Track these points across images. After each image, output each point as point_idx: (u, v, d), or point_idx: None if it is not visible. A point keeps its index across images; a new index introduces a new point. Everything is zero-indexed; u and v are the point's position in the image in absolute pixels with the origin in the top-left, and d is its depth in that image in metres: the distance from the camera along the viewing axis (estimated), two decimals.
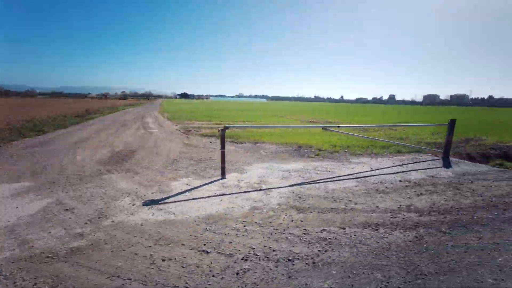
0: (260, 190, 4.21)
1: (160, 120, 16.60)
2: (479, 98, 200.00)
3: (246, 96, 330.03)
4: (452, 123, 7.06)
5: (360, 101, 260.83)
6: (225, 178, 4.72)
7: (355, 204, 3.72)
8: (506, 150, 9.64)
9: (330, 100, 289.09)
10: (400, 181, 4.87)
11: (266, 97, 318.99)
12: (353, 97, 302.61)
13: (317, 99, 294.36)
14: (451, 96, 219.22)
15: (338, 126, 5.57)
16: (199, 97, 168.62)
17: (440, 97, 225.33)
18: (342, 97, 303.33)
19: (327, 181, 4.75)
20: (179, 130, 11.72)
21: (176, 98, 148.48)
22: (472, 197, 4.09)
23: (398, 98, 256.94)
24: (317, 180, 4.80)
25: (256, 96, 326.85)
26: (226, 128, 4.54)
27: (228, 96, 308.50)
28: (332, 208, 3.55)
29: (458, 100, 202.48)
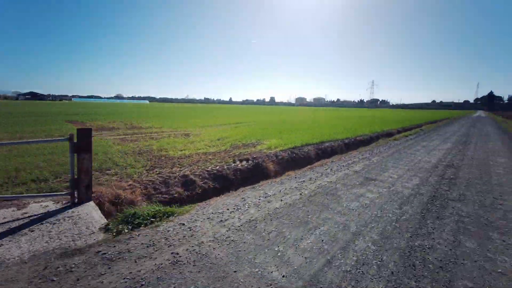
0: None
1: None
2: (331, 100, 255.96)
3: (127, 98, 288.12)
4: (79, 138, 3.69)
5: (246, 102, 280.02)
6: None
7: None
8: (259, 161, 7.88)
9: (219, 101, 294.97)
10: None
11: (153, 98, 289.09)
12: (240, 98, 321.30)
13: (206, 101, 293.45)
14: (314, 98, 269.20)
15: None
16: (58, 97, 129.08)
17: (307, 99, 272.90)
18: (230, 99, 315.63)
19: None
20: None
21: (17, 99, 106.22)
22: None
23: (277, 100, 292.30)
24: None
25: (139, 98, 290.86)
26: None
27: (104, 98, 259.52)
28: None
29: (318, 102, 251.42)
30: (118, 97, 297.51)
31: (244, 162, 7.39)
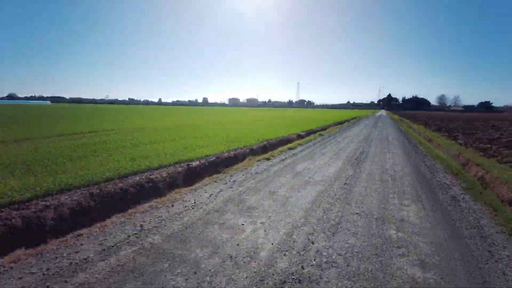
0: None
1: None
2: (263, 101, 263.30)
3: (24, 98, 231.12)
4: None
5: (177, 103, 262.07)
6: None
7: None
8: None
9: (147, 103, 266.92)
10: None
11: (61, 99, 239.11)
12: (171, 99, 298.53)
13: (131, 102, 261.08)
14: (247, 99, 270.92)
15: None
16: None
17: (240, 100, 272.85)
18: (160, 100, 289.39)
19: None
20: None
21: None
22: None
23: (211, 100, 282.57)
24: None
25: (40, 98, 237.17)
26: None
27: None
28: None
29: (251, 102, 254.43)
30: (11, 96, 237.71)
31: None
